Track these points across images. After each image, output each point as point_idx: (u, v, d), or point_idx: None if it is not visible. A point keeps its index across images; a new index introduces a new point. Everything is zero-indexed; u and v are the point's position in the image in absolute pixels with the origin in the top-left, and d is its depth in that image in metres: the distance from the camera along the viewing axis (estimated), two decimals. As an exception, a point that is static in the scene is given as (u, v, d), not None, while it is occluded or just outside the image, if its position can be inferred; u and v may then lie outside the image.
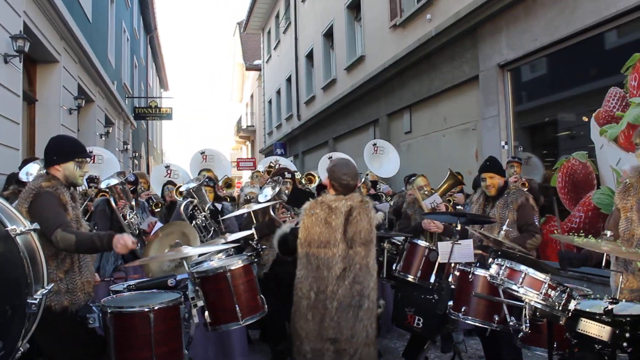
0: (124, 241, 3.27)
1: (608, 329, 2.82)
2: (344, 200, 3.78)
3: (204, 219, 5.07)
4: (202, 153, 9.59)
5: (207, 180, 5.62)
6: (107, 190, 5.26)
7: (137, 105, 23.61)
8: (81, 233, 3.37)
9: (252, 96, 38.05)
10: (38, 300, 2.51)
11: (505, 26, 8.85)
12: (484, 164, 4.88)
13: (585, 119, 7.62)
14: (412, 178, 7.26)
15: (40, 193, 3.34)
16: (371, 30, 14.60)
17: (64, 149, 3.58)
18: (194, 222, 5.05)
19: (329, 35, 18.53)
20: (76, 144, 3.70)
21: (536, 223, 4.69)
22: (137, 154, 24.28)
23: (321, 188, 8.51)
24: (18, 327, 2.48)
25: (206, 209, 5.12)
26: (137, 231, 4.97)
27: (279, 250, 4.13)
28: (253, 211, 4.89)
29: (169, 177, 8.98)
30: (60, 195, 3.40)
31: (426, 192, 6.11)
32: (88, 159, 3.67)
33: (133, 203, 5.38)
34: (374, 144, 10.33)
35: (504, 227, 3.99)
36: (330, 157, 10.29)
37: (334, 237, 3.70)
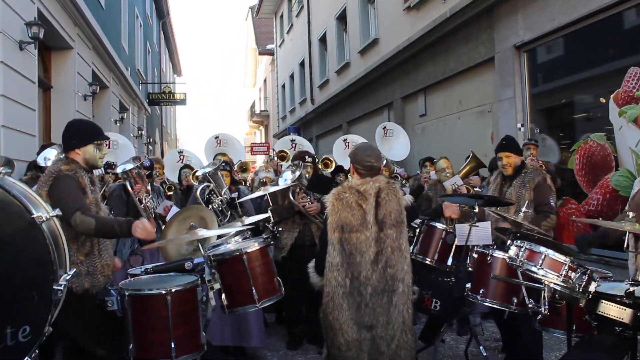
0: (143, 225, 3.30)
1: (629, 311, 2.80)
2: (371, 183, 3.67)
3: (220, 203, 5.07)
4: (217, 138, 9.62)
5: (223, 164, 5.61)
6: (124, 174, 5.27)
7: (151, 91, 23.67)
8: (101, 217, 3.41)
9: (265, 81, 38.00)
10: (63, 285, 2.54)
11: (522, 6, 8.71)
12: (500, 143, 4.83)
13: (603, 100, 7.51)
14: (434, 161, 7.24)
15: (60, 176, 3.37)
16: (385, 12, 14.47)
17: (83, 133, 3.60)
18: (210, 206, 5.05)
19: (342, 18, 18.40)
20: (94, 127, 3.73)
21: (552, 204, 4.63)
22: (151, 140, 24.38)
23: (337, 172, 8.51)
24: (45, 312, 2.52)
25: (223, 192, 5.12)
26: (154, 215, 5.00)
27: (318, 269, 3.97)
28: (271, 194, 4.87)
29: (182, 162, 9.02)
30: (80, 179, 3.42)
31: (448, 174, 6.11)
32: (106, 141, 3.69)
33: (149, 187, 5.40)
34: (384, 127, 10.27)
35: (523, 209, 3.95)
36: (345, 140, 10.25)
37: (365, 220, 3.58)
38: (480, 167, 6.71)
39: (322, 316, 3.68)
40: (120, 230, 3.33)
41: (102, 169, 6.53)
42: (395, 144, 10.01)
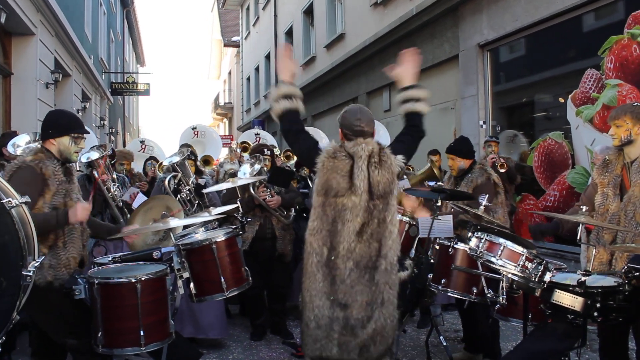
0: (80, 206, 3.34)
1: (580, 299, 2.96)
2: (364, 144, 3.30)
3: (188, 192, 5.09)
4: (194, 129, 9.55)
5: (189, 153, 5.62)
6: (89, 164, 5.21)
7: (114, 81, 23.30)
8: (35, 214, 3.18)
9: (230, 73, 37.75)
10: (32, 272, 2.54)
11: (486, 6, 8.92)
12: (449, 145, 4.94)
13: (561, 100, 7.77)
14: None
15: (21, 167, 3.32)
16: (352, 7, 14.57)
17: (60, 123, 3.55)
18: (178, 196, 5.06)
19: (309, 12, 18.44)
20: (73, 119, 3.66)
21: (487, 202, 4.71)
22: (113, 130, 24.02)
23: (300, 165, 8.57)
24: (13, 298, 2.51)
25: (190, 182, 5.13)
26: (120, 204, 4.98)
27: (280, 118, 3.55)
28: (239, 186, 4.90)
29: (144, 151, 8.95)
30: (43, 169, 3.35)
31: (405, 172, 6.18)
32: (85, 135, 3.66)
33: (114, 176, 5.36)
34: None
35: (484, 202, 4.09)
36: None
37: (353, 184, 3.22)
38: (434, 178, 6.75)
39: (302, 286, 3.39)
40: (56, 222, 3.30)
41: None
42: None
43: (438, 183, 6.63)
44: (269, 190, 5.31)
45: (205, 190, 5.22)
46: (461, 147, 4.85)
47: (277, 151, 8.60)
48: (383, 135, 10.09)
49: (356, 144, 3.32)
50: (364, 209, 3.24)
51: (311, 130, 10.53)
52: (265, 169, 5.49)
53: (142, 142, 9.61)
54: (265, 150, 5.87)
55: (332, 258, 3.23)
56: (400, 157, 3.42)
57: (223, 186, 4.70)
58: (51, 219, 3.27)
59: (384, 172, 3.27)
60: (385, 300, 3.26)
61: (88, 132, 3.77)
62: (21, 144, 5.01)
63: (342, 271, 3.21)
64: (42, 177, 3.36)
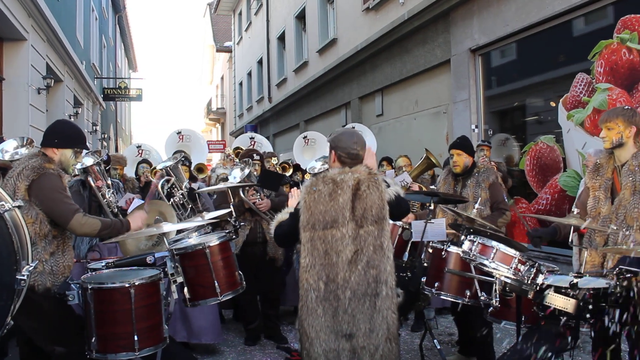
0: (138, 215, 3.57)
1: (573, 301, 2.97)
2: (350, 173, 3.26)
3: (181, 197, 5.08)
4: (179, 133, 9.52)
5: (183, 159, 5.62)
6: (84, 170, 5.18)
7: (106, 86, 23.23)
8: (102, 218, 3.54)
9: (222, 78, 37.74)
10: (26, 276, 2.54)
11: (477, 11, 8.97)
12: (454, 141, 4.96)
13: (553, 104, 7.82)
14: (395, 159, 7.40)
15: (47, 174, 3.34)
16: (344, 12, 14.61)
17: (68, 135, 3.61)
18: (171, 200, 5.06)
19: (301, 17, 18.47)
20: (80, 133, 3.74)
21: (506, 200, 4.84)
22: (105, 136, 23.96)
23: (294, 170, 8.60)
24: (7, 303, 2.51)
25: (183, 187, 5.14)
26: (116, 209, 4.96)
27: (276, 241, 3.61)
28: (229, 189, 4.92)
29: (140, 156, 8.90)
30: (63, 180, 3.42)
31: (404, 172, 6.23)
32: (84, 151, 3.71)
33: (108, 181, 5.34)
34: (353, 127, 10.29)
35: (477, 205, 4.11)
36: (305, 137, 10.32)
37: (341, 215, 3.19)
38: (432, 167, 6.83)
39: (297, 323, 3.32)
40: (122, 229, 3.48)
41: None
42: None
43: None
44: (258, 193, 5.32)
45: (197, 191, 5.23)
46: (467, 143, 4.90)
47: (274, 161, 8.60)
48: (370, 141, 10.17)
49: (343, 172, 3.28)
50: (353, 237, 3.20)
51: (309, 134, 10.57)
52: (255, 173, 5.51)
53: (138, 147, 9.56)
54: (255, 155, 5.89)
55: (332, 289, 3.19)
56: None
57: (216, 188, 4.70)
58: (119, 226, 3.48)
59: (375, 199, 3.23)
60: (390, 324, 3.23)
61: (88, 149, 3.84)
62: (9, 149, 4.98)
63: (343, 301, 3.18)
64: (63, 186, 3.43)
